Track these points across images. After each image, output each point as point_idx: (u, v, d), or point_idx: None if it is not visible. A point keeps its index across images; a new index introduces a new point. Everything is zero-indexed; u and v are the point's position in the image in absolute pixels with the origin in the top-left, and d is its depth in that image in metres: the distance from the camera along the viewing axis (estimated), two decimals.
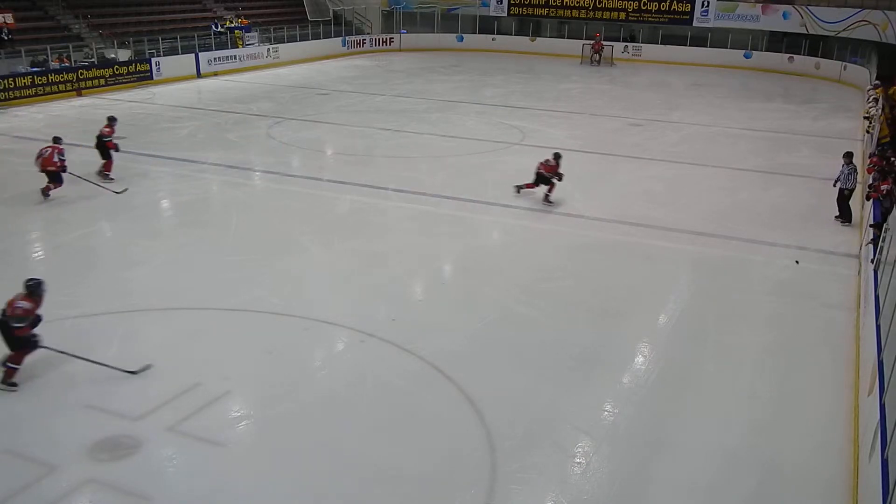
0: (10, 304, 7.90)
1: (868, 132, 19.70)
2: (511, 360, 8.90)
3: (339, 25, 39.70)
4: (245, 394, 8.10)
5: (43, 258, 12.14)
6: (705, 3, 37.05)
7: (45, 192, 14.20)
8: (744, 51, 36.35)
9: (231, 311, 9.87)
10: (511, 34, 40.76)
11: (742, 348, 9.35)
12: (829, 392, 8.46)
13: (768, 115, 25.06)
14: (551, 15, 40.28)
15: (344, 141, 20.14)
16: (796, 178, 17.13)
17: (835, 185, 14.10)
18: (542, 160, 14.64)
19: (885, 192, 12.21)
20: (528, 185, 14.66)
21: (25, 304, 7.89)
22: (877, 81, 25.51)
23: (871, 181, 13.33)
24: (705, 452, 7.34)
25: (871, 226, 11.43)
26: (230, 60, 31.47)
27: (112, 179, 15.31)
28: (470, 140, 20.01)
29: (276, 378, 8.33)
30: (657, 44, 38.17)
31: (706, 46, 36.88)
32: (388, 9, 42.30)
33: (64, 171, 14.21)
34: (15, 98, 23.29)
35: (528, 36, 40.80)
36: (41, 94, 24.04)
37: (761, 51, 36.48)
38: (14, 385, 7.91)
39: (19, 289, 8.15)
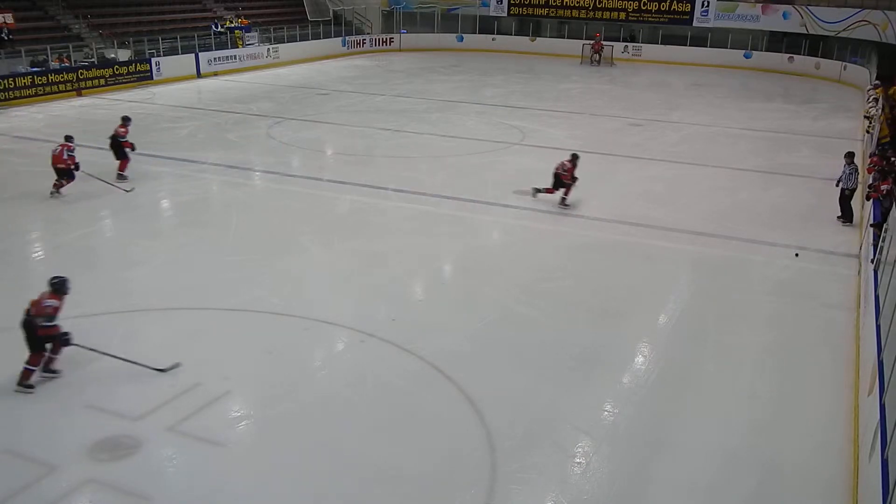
0: (37, 303, 7.89)
1: (868, 132, 19.70)
2: (511, 360, 8.90)
3: (339, 25, 39.71)
4: (245, 394, 8.10)
5: (43, 258, 12.14)
6: (705, 3, 37.05)
7: (54, 188, 14.33)
8: (744, 51, 36.35)
9: (231, 311, 9.87)
10: (511, 34, 40.76)
11: (742, 348, 9.35)
12: (829, 392, 8.46)
13: (768, 115, 25.06)
14: (551, 15, 40.28)
15: (344, 141, 20.14)
16: (796, 178, 17.13)
17: (837, 186, 14.10)
18: (558, 162, 14.46)
19: (885, 192, 12.21)
20: (548, 190, 14.43)
21: (54, 303, 7.90)
22: (877, 81, 25.51)
23: (870, 181, 13.33)
24: (705, 452, 7.34)
25: (871, 225, 11.43)
26: (230, 60, 31.47)
27: (127, 178, 15.46)
28: (470, 140, 20.01)
29: (276, 378, 8.33)
30: (657, 44, 38.16)
31: (706, 46, 36.88)
32: (388, 9, 42.30)
33: (76, 168, 14.34)
34: (15, 98, 23.29)
35: (528, 36, 40.80)
36: (41, 94, 24.05)
37: (761, 51, 36.48)
38: (31, 387, 7.89)
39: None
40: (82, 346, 8.16)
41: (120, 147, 15.52)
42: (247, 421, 7.73)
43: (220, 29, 32.87)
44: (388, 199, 14.96)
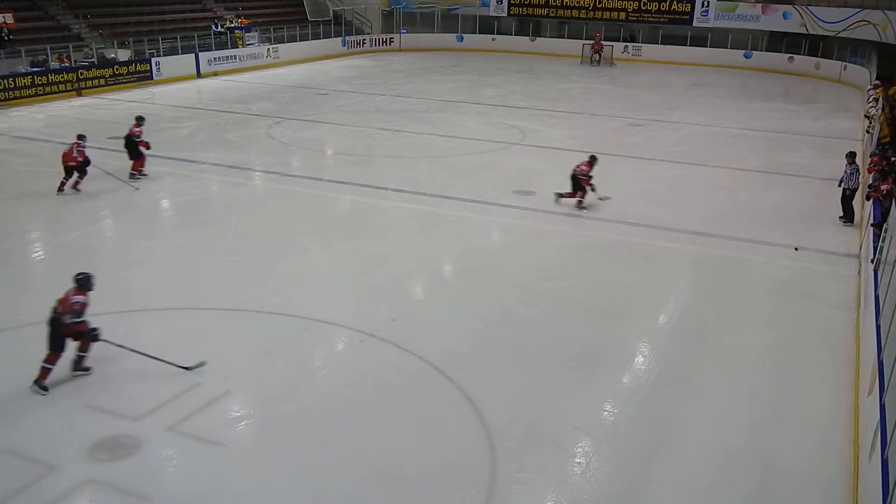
0: (64, 301, 7.91)
1: (868, 132, 19.70)
2: (511, 360, 8.90)
3: (339, 25, 39.71)
4: (245, 394, 8.10)
5: (43, 258, 12.14)
6: (705, 3, 37.05)
7: (60, 187, 14.49)
8: (744, 51, 36.35)
9: (231, 311, 9.87)
10: (511, 34, 40.76)
11: (742, 348, 9.35)
12: (829, 392, 8.46)
13: (768, 115, 25.06)
14: (551, 15, 40.28)
15: (344, 141, 20.14)
16: (796, 178, 17.13)
17: (839, 186, 14.08)
18: (576, 165, 14.35)
19: (885, 191, 12.21)
20: (570, 195, 14.32)
21: (80, 298, 7.93)
22: (877, 81, 25.50)
23: (870, 181, 13.33)
24: (705, 452, 7.34)
25: (871, 225, 11.43)
26: (230, 60, 31.47)
27: (146, 175, 15.68)
28: (470, 140, 20.01)
29: (276, 378, 8.33)
30: (657, 44, 38.17)
31: (706, 46, 36.88)
32: (388, 9, 42.31)
33: (87, 164, 14.56)
34: (15, 98, 23.29)
35: (528, 36, 40.81)
36: (41, 94, 24.05)
37: (761, 51, 36.49)
38: (45, 389, 7.87)
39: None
40: (111, 342, 8.19)
41: (135, 146, 15.67)
42: (247, 421, 7.73)
43: (220, 29, 32.88)
44: (388, 199, 14.96)
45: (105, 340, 8.13)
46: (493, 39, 40.54)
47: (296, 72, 32.54)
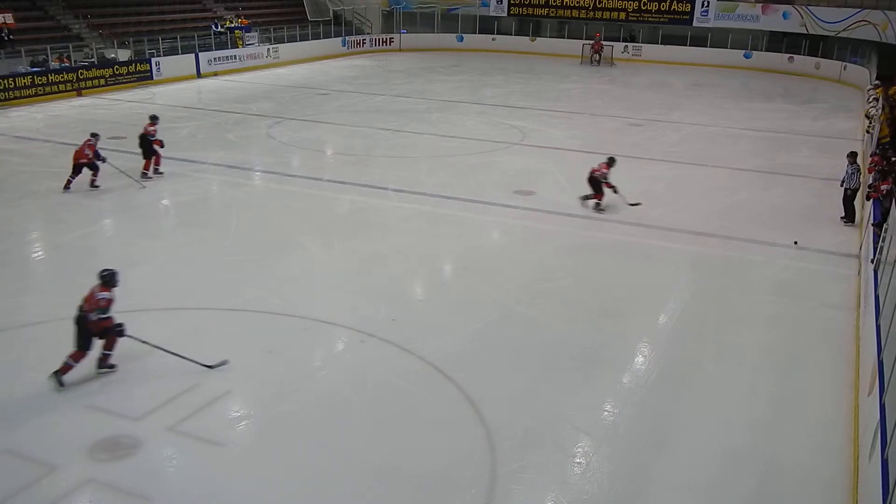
0: (90, 298, 7.97)
1: (868, 132, 19.71)
2: (511, 360, 8.90)
3: (339, 25, 39.71)
4: (245, 394, 8.10)
5: (43, 258, 12.14)
6: (705, 3, 37.05)
7: (66, 185, 14.67)
8: (744, 51, 36.35)
9: (231, 311, 9.87)
10: (511, 34, 40.77)
11: (742, 348, 9.35)
12: (829, 392, 8.46)
13: (768, 115, 25.06)
14: (551, 15, 40.28)
15: (344, 141, 20.14)
16: (796, 178, 17.13)
17: (841, 186, 14.07)
18: (594, 167, 14.23)
19: (885, 191, 12.21)
20: (595, 196, 14.20)
21: (106, 295, 7.98)
22: (877, 81, 25.50)
23: (871, 181, 13.33)
24: (705, 452, 7.34)
25: (872, 225, 11.42)
26: (230, 60, 31.48)
27: (161, 173, 15.83)
28: (470, 140, 20.01)
29: (276, 378, 8.33)
30: (657, 44, 38.18)
31: (706, 46, 36.89)
32: (388, 9, 42.31)
33: (98, 159, 14.71)
34: (15, 98, 23.29)
35: (528, 36, 40.81)
36: (41, 94, 24.05)
37: (761, 51, 36.49)
38: (62, 384, 7.90)
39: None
40: (135, 338, 8.21)
41: (149, 145, 15.75)
42: (247, 421, 7.73)
43: (220, 29, 32.88)
44: (388, 199, 14.95)
45: (130, 336, 8.17)
46: (493, 39, 40.55)
47: (296, 72, 32.54)
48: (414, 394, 8.19)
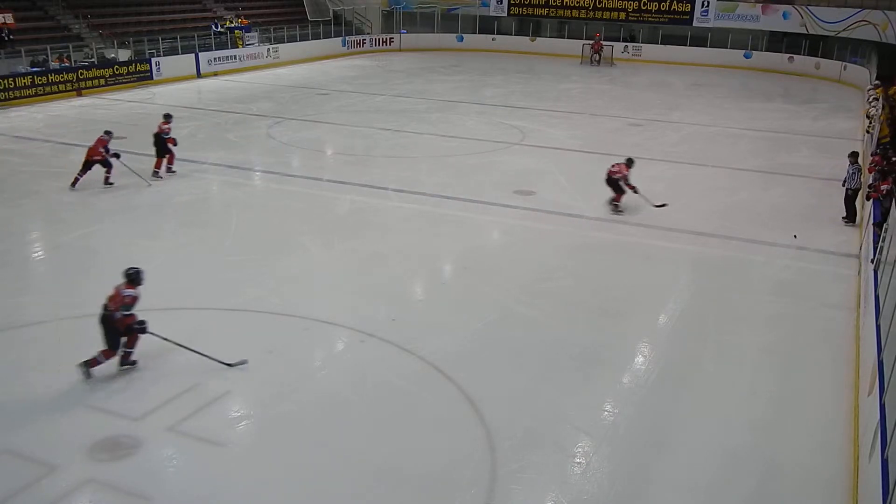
0: (116, 296, 8.04)
1: (868, 132, 19.71)
2: (511, 360, 8.90)
3: (339, 25, 39.71)
4: (245, 394, 8.10)
5: (43, 258, 12.14)
6: (705, 3, 37.05)
7: (73, 182, 14.81)
8: (744, 51, 36.35)
9: (231, 311, 9.87)
10: (511, 34, 40.77)
11: (742, 348, 9.35)
12: (829, 392, 8.46)
13: (768, 115, 25.06)
14: (551, 15, 40.28)
15: (344, 141, 20.14)
16: (796, 178, 17.13)
17: (843, 186, 14.06)
18: (613, 168, 14.10)
19: (885, 191, 12.21)
20: (616, 198, 14.11)
21: (132, 292, 8.07)
22: (877, 81, 25.50)
23: (871, 181, 13.33)
24: (705, 452, 7.34)
25: (874, 224, 11.42)
26: (230, 60, 31.47)
27: (174, 172, 15.97)
28: (470, 140, 20.01)
29: (276, 378, 8.33)
30: (657, 44, 38.17)
31: (706, 46, 36.88)
32: (388, 9, 42.31)
33: (113, 155, 14.86)
34: (15, 98, 23.29)
35: (528, 36, 40.81)
36: (41, 94, 24.05)
37: (761, 51, 36.48)
38: (89, 376, 8.03)
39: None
40: (157, 335, 8.24)
41: (163, 143, 15.83)
42: (247, 421, 7.73)
43: (220, 29, 32.88)
44: (388, 199, 14.95)
45: (153, 333, 8.20)
46: (493, 39, 40.54)
47: (296, 72, 32.54)
48: (414, 394, 8.19)
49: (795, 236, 12.38)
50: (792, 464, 7.23)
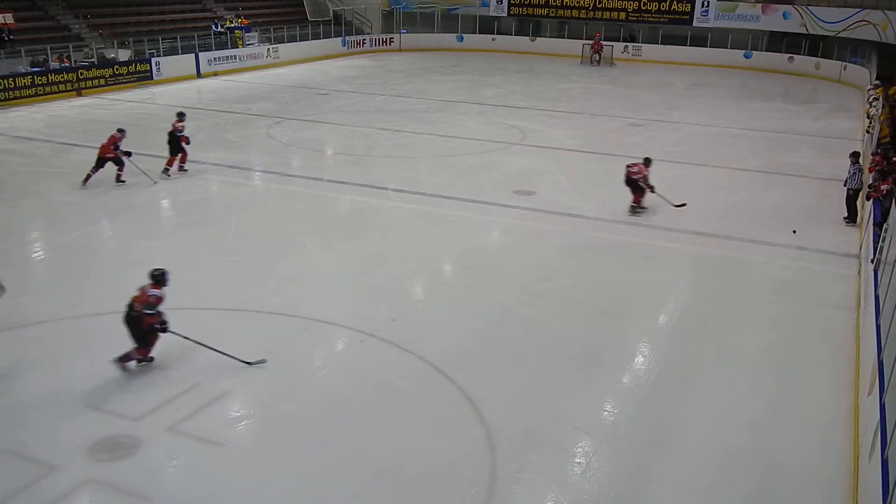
0: (141, 296, 8.11)
1: (868, 132, 19.71)
2: (511, 360, 8.90)
3: (339, 25, 39.71)
4: (245, 394, 8.10)
5: (43, 258, 12.14)
6: (705, 3, 37.05)
7: (85, 179, 14.91)
8: (744, 51, 36.34)
9: (231, 311, 9.87)
10: (511, 34, 40.76)
11: (742, 348, 9.35)
12: (829, 392, 8.46)
13: (768, 115, 25.06)
14: (551, 15, 40.28)
15: (344, 141, 20.14)
16: (796, 178, 17.13)
17: (844, 186, 14.05)
18: (633, 168, 14.01)
19: (885, 191, 12.21)
20: (635, 199, 14.03)
21: (157, 293, 8.13)
22: (877, 81, 25.50)
23: (871, 181, 13.32)
24: (705, 452, 7.34)
25: (873, 225, 11.42)
26: (230, 60, 31.47)
27: (186, 171, 16.06)
28: (470, 140, 20.01)
29: (276, 378, 8.33)
30: (657, 44, 38.16)
31: (706, 46, 36.87)
32: (388, 9, 42.30)
33: (126, 154, 14.97)
34: (15, 98, 23.29)
35: (528, 36, 40.80)
36: (41, 94, 24.04)
37: (761, 51, 36.47)
38: (125, 369, 8.22)
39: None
40: (178, 334, 8.27)
41: (177, 141, 15.89)
42: (247, 421, 7.74)
43: (220, 29, 32.87)
44: (388, 199, 14.95)
45: (174, 332, 8.24)
46: (493, 39, 40.54)
47: (296, 72, 32.54)
48: (414, 394, 8.19)
49: (795, 231, 12.36)
50: (792, 464, 7.24)
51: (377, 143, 19.84)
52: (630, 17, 38.86)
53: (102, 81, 26.14)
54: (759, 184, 16.58)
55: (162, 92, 26.50)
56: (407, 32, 41.15)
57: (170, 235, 13.17)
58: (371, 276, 11.21)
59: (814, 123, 23.97)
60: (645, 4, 38.19)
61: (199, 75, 29.81)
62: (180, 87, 27.72)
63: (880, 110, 20.74)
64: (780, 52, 35.90)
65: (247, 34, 33.08)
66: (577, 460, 7.14)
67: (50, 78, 24.52)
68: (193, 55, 29.87)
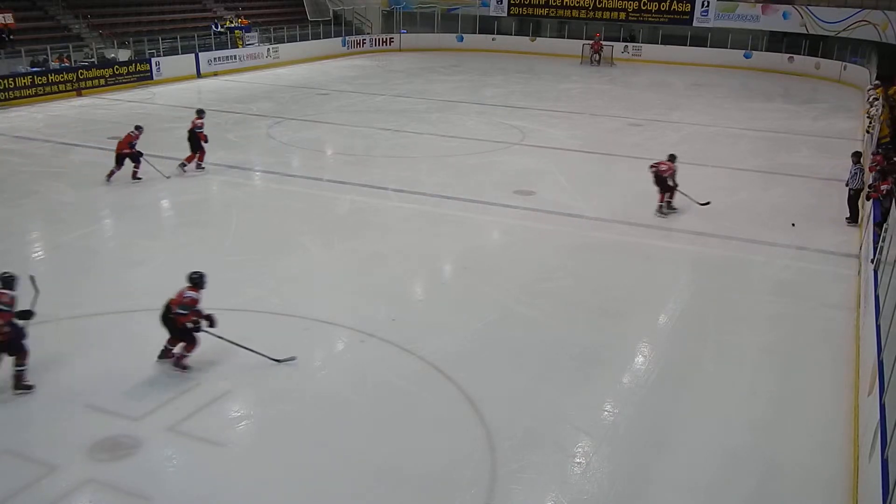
0: (178, 297, 8.19)
1: (868, 132, 19.71)
2: (511, 360, 8.90)
3: (339, 25, 39.70)
4: (245, 394, 8.11)
5: (43, 258, 12.14)
6: (705, 3, 37.04)
7: (109, 175, 15.11)
8: (744, 51, 36.33)
9: (231, 311, 9.85)
10: (511, 34, 40.75)
11: (742, 348, 9.35)
12: (829, 392, 8.46)
13: (768, 115, 25.06)
14: (551, 15, 40.27)
15: (344, 141, 20.14)
16: (796, 178, 17.12)
17: (847, 186, 14.04)
18: (659, 167, 13.97)
19: (885, 191, 12.20)
20: (662, 197, 13.92)
21: (193, 294, 8.21)
22: (877, 81, 25.48)
23: (871, 181, 13.32)
24: (705, 452, 7.34)
25: (874, 225, 11.42)
26: (230, 60, 31.47)
27: (203, 168, 16.22)
28: (470, 140, 20.01)
29: (276, 378, 8.33)
30: (657, 44, 38.15)
31: (706, 46, 36.86)
32: (388, 9, 42.30)
33: (137, 152, 15.14)
34: (15, 98, 23.28)
35: (528, 36, 40.80)
36: (41, 94, 24.04)
37: (761, 51, 36.47)
38: (186, 368, 8.31)
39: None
40: (209, 332, 8.31)
41: (197, 139, 16.01)
42: (247, 421, 7.74)
43: (220, 29, 32.87)
44: (388, 199, 14.95)
45: (205, 331, 8.28)
46: (493, 39, 40.53)
47: (296, 72, 32.53)
48: (414, 394, 8.19)
49: (794, 224, 12.34)
50: (792, 464, 7.24)
51: (377, 143, 19.84)
52: (630, 17, 38.86)
53: (102, 81, 26.14)
54: (759, 184, 16.58)
55: (162, 92, 26.50)
56: (407, 32, 41.14)
57: (170, 235, 13.17)
58: (371, 276, 11.21)
59: (814, 123, 23.97)
60: (645, 4, 38.18)
61: (199, 75, 29.81)
62: (180, 87, 27.71)
63: (880, 110, 20.73)
64: (780, 52, 35.89)
65: (247, 34, 33.08)
66: (577, 460, 7.14)
67: (50, 78, 24.51)
68: (193, 55, 29.86)
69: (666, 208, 14.03)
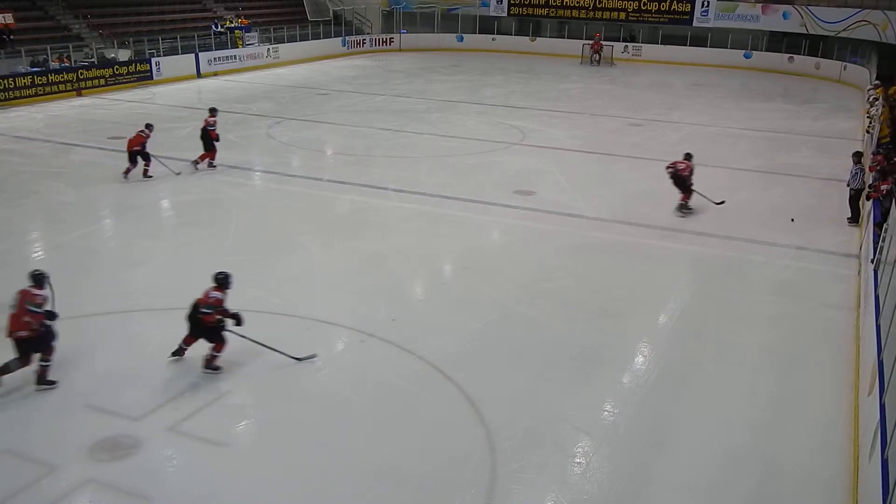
0: (204, 297, 8.24)
1: (868, 132, 19.71)
2: (511, 360, 8.90)
3: (339, 25, 39.70)
4: (245, 394, 8.11)
5: (43, 258, 12.12)
6: (705, 3, 37.04)
7: (126, 171, 15.32)
8: (744, 51, 36.34)
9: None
10: (511, 34, 40.75)
11: (742, 348, 9.35)
12: (829, 392, 8.46)
13: (768, 115, 25.06)
14: (551, 15, 40.27)
15: (344, 141, 20.14)
16: (796, 178, 17.12)
17: (848, 186, 14.03)
18: (677, 166, 13.96)
19: (885, 191, 12.20)
20: (684, 197, 13.93)
21: (218, 295, 8.26)
22: (877, 81, 25.49)
23: (871, 181, 13.32)
24: (705, 452, 7.34)
25: (874, 225, 11.42)
26: (230, 60, 31.47)
27: (215, 167, 16.38)
28: (470, 140, 20.01)
29: (276, 378, 8.33)
30: (657, 44, 38.16)
31: (706, 46, 36.86)
32: (388, 9, 42.30)
33: (146, 151, 15.36)
34: (15, 98, 23.28)
35: (528, 36, 40.80)
36: (41, 94, 24.04)
37: (761, 51, 36.47)
38: (218, 369, 8.35)
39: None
40: (235, 333, 8.33)
41: (209, 137, 16.14)
42: (247, 421, 7.74)
43: (220, 29, 32.87)
44: (388, 199, 14.95)
45: (230, 331, 8.31)
46: (493, 39, 40.53)
47: (296, 72, 32.53)
48: (414, 394, 8.19)
49: (793, 220, 12.34)
50: (792, 464, 7.24)
51: (377, 143, 19.84)
52: (630, 17, 38.86)
53: (102, 81, 26.14)
54: (759, 184, 16.58)
55: (162, 92, 26.50)
56: (407, 32, 41.14)
57: (170, 235, 13.17)
58: (371, 276, 11.21)
59: (814, 123, 23.97)
60: (645, 4, 38.18)
61: (199, 75, 29.81)
62: (180, 87, 27.71)
63: (880, 110, 20.73)
64: (780, 52, 35.90)
65: (247, 34, 33.08)
66: (577, 460, 7.15)
67: (50, 78, 24.51)
68: (193, 55, 29.86)
69: (685, 207, 14.01)
